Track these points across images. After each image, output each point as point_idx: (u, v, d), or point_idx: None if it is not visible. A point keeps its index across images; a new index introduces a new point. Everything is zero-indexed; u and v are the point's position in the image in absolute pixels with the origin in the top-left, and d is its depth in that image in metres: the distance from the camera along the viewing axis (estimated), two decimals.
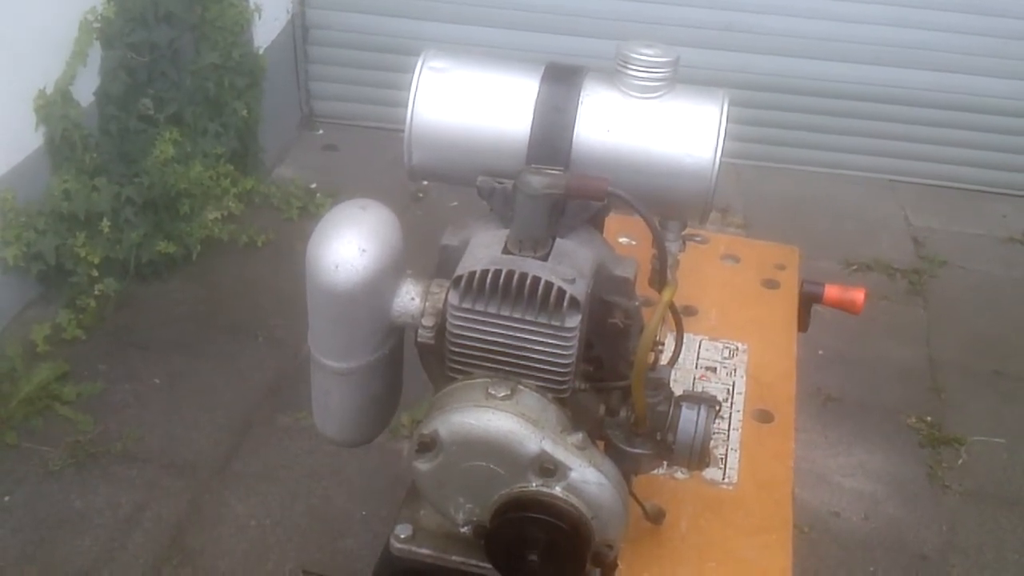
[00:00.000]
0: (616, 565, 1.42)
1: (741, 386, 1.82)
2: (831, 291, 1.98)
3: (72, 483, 3.00)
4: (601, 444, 1.40)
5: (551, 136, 1.36)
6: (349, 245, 1.31)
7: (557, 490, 1.29)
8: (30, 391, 3.20)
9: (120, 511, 2.93)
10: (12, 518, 2.88)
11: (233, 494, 3.02)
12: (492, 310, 1.29)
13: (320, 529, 2.92)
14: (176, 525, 2.91)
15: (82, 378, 3.35)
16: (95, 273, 3.56)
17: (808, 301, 2.02)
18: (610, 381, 1.41)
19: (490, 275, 1.28)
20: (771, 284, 2.09)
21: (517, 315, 1.29)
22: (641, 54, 1.36)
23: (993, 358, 3.79)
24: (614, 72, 1.38)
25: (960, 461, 3.33)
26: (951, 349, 3.83)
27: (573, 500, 1.29)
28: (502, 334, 1.30)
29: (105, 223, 3.56)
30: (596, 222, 1.46)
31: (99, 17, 3.59)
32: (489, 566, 1.37)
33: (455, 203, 4.17)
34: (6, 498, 2.94)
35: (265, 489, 3.04)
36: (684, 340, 1.54)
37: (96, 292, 3.57)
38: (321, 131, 5.08)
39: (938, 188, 4.91)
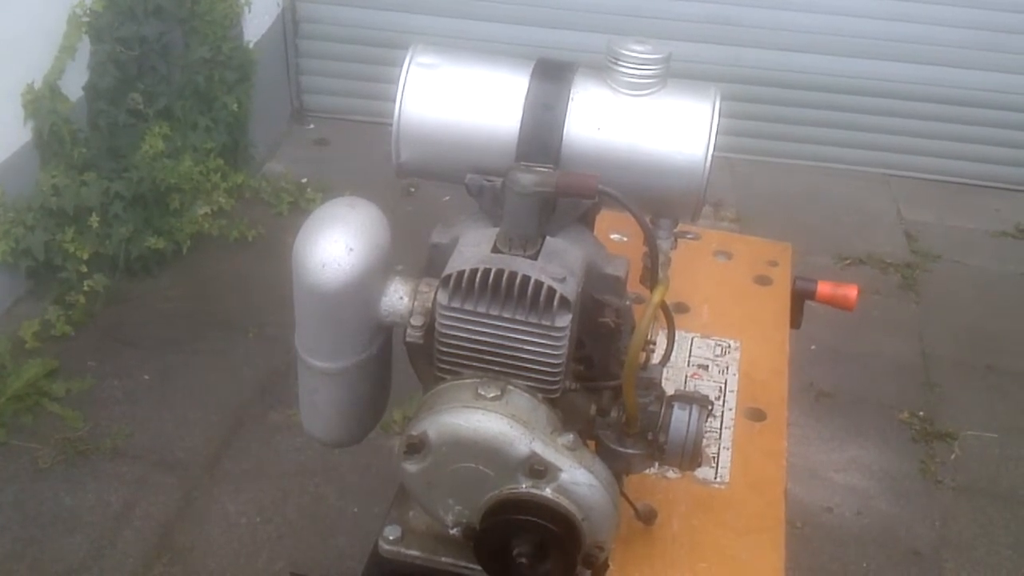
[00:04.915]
0: (607, 566, 1.41)
1: (733, 384, 1.81)
2: (824, 288, 1.97)
3: (62, 481, 2.99)
4: (592, 444, 1.39)
5: (541, 133, 1.34)
6: (336, 244, 1.29)
7: (547, 491, 1.28)
8: (19, 388, 3.18)
9: (110, 509, 2.92)
10: (1, 516, 2.86)
11: (224, 492, 3.01)
12: (481, 309, 1.27)
13: (311, 527, 2.91)
14: (166, 523, 2.90)
15: (72, 375, 3.33)
16: (84, 269, 3.55)
17: (801, 298, 2.00)
18: (601, 381, 1.40)
19: (479, 274, 1.27)
20: (763, 280, 2.08)
21: (507, 315, 1.27)
22: (632, 51, 1.34)
23: (986, 352, 3.79)
24: (605, 68, 1.36)
25: (953, 456, 3.33)
26: (944, 344, 3.83)
27: (563, 501, 1.28)
28: (492, 334, 1.29)
29: (94, 218, 3.55)
30: (587, 220, 1.45)
31: (88, 11, 3.57)
32: (479, 568, 1.36)
33: (447, 198, 4.15)
34: None
35: (256, 487, 3.03)
36: (676, 338, 1.52)
37: (85, 288, 3.55)
38: (312, 125, 5.06)
39: (931, 182, 4.91)
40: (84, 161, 3.60)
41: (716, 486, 1.62)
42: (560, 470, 1.27)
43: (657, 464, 1.43)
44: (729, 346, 1.89)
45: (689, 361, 1.86)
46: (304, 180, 4.45)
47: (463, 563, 1.40)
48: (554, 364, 1.29)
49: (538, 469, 1.27)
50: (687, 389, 1.77)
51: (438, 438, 1.28)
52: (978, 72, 4.66)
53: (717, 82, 1.42)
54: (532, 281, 1.26)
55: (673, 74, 1.38)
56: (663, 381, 1.41)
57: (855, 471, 3.24)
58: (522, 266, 1.28)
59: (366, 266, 1.31)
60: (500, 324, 1.28)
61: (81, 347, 3.47)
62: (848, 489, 3.17)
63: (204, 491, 3.01)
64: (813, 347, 3.58)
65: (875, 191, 4.83)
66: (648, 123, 1.35)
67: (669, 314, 1.48)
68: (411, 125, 1.38)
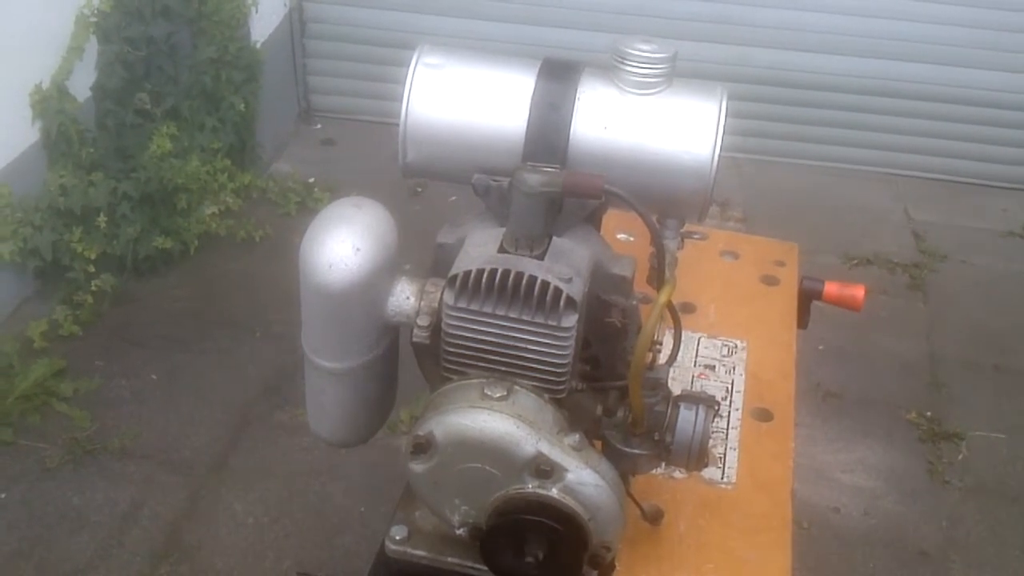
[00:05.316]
0: (614, 567, 1.41)
1: (740, 384, 1.80)
2: (831, 288, 1.97)
3: (69, 480, 2.99)
4: (598, 444, 1.39)
5: (547, 133, 1.34)
6: (343, 244, 1.29)
7: (554, 492, 1.27)
8: (27, 387, 3.20)
9: (117, 508, 2.92)
10: (9, 515, 2.87)
11: (231, 491, 3.01)
12: (488, 310, 1.27)
13: (318, 526, 2.92)
14: (173, 522, 2.90)
15: (79, 374, 3.34)
16: (92, 269, 3.56)
17: (808, 298, 2.00)
18: (607, 381, 1.39)
19: (486, 274, 1.26)
20: (770, 280, 2.08)
21: (513, 315, 1.27)
22: (638, 50, 1.34)
23: (993, 352, 3.78)
24: (611, 68, 1.36)
25: (960, 456, 3.32)
26: (951, 344, 3.82)
27: (570, 502, 1.27)
28: (498, 334, 1.28)
29: (102, 218, 3.56)
30: (594, 220, 1.44)
31: (95, 11, 3.58)
32: (485, 568, 1.36)
33: (454, 198, 4.15)
34: (2, 495, 2.94)
35: (263, 486, 3.03)
36: (683, 338, 1.52)
37: (93, 288, 3.56)
38: (319, 125, 5.06)
39: (938, 182, 4.90)
40: (92, 161, 3.61)
41: (723, 486, 1.61)
42: (566, 470, 1.27)
43: (663, 464, 1.43)
44: (736, 346, 1.89)
45: (696, 361, 1.85)
46: (311, 180, 4.46)
47: (469, 563, 1.40)
48: (560, 364, 1.29)
49: (544, 469, 1.26)
50: (694, 389, 1.77)
51: (444, 438, 1.28)
52: (985, 71, 4.64)
53: (724, 81, 1.42)
54: (538, 281, 1.25)
55: (679, 73, 1.37)
56: (670, 381, 1.41)
57: (862, 471, 3.23)
58: (528, 266, 1.27)
59: (373, 266, 1.30)
60: (506, 324, 1.28)
61: (89, 347, 3.47)
62: (855, 489, 3.17)
63: (211, 490, 3.01)
64: (820, 347, 3.57)
65: (882, 191, 4.82)
66: (655, 123, 1.34)
67: (676, 314, 1.48)
68: (417, 125, 1.38)
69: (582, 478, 1.27)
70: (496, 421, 1.26)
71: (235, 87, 4.09)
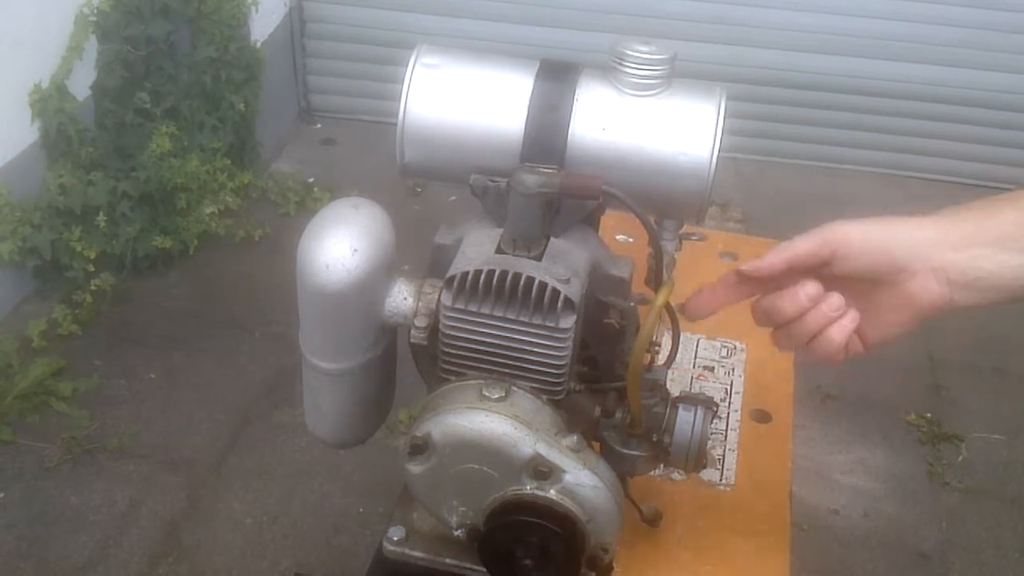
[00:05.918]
0: (611, 568, 1.41)
1: (739, 386, 1.80)
2: None
3: (68, 479, 3.00)
4: (597, 446, 1.39)
5: (545, 134, 1.33)
6: (340, 245, 1.29)
7: (551, 493, 1.27)
8: (25, 387, 3.20)
9: (116, 507, 2.93)
10: (7, 514, 2.88)
11: (230, 491, 3.02)
12: (485, 311, 1.27)
13: (317, 526, 2.92)
14: (172, 522, 2.91)
15: (78, 373, 3.34)
16: (91, 268, 3.56)
17: None
18: (606, 382, 1.39)
19: (483, 275, 1.26)
20: None
21: (511, 316, 1.26)
22: (637, 51, 1.33)
23: (993, 355, 3.78)
24: (610, 69, 1.36)
25: (960, 458, 3.32)
26: (951, 346, 3.81)
27: (568, 503, 1.27)
28: (495, 335, 1.28)
29: (101, 218, 3.56)
30: (592, 221, 1.44)
31: (95, 10, 3.58)
32: (483, 569, 1.36)
33: (453, 198, 4.15)
34: (1, 494, 2.94)
35: (262, 485, 3.04)
36: (681, 339, 1.51)
37: (92, 287, 3.56)
38: (319, 125, 5.06)
39: (938, 183, 4.89)
40: (91, 160, 3.61)
41: (721, 488, 1.61)
42: (564, 471, 1.26)
43: (662, 466, 1.42)
44: (735, 347, 1.89)
45: (695, 362, 1.85)
46: (311, 180, 4.46)
47: (467, 564, 1.39)
48: (558, 365, 1.29)
49: (542, 470, 1.26)
50: (692, 391, 1.76)
51: (442, 439, 1.27)
52: (986, 72, 4.64)
53: (723, 82, 1.41)
54: (536, 282, 1.25)
55: (678, 74, 1.37)
56: (668, 383, 1.41)
57: (861, 473, 3.23)
58: (526, 267, 1.27)
59: (370, 267, 1.30)
60: (504, 325, 1.27)
61: (88, 346, 3.48)
62: (854, 491, 3.17)
63: (210, 490, 3.01)
64: None
65: (881, 191, 4.81)
66: (653, 124, 1.34)
67: (674, 315, 1.47)
68: (415, 126, 1.37)
69: (580, 479, 1.27)
70: (494, 422, 1.26)
71: (235, 87, 4.09)
